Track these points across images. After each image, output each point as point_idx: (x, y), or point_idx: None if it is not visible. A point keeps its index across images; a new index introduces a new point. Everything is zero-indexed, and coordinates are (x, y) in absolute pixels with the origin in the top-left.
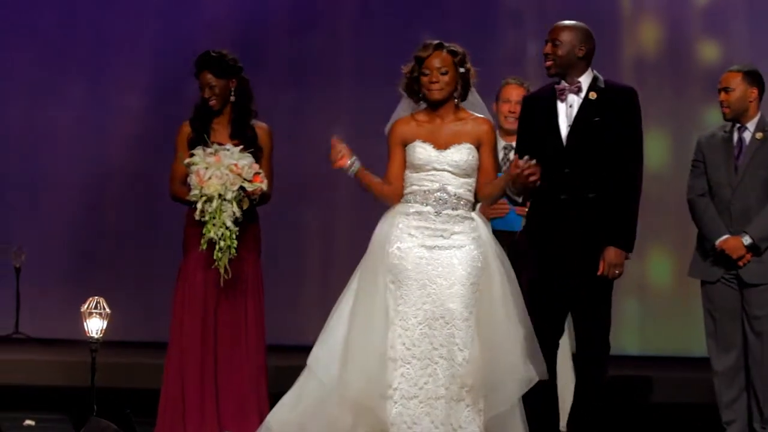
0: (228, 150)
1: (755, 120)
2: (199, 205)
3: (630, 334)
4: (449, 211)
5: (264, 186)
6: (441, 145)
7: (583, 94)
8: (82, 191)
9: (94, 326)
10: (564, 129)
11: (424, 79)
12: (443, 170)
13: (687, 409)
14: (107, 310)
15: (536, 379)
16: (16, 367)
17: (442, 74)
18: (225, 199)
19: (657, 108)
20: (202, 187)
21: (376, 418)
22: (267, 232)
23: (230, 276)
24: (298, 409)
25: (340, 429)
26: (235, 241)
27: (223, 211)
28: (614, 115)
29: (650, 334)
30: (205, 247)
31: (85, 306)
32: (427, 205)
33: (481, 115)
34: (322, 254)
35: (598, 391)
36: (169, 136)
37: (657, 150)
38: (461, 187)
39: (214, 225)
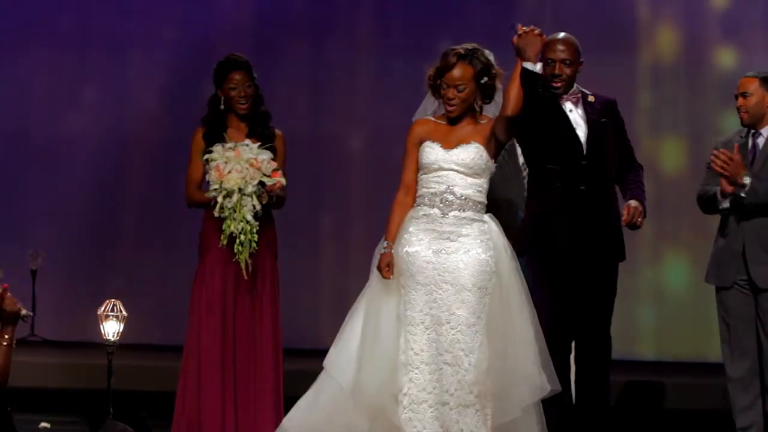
0: (247, 145)
1: None
2: (219, 199)
3: (646, 340)
4: (456, 213)
5: (283, 180)
6: (449, 145)
7: (580, 102)
8: (98, 194)
9: (111, 329)
10: (578, 128)
11: (442, 92)
12: (450, 170)
13: (703, 415)
14: (124, 312)
15: (548, 388)
16: (32, 370)
17: (459, 91)
18: (245, 194)
19: (674, 114)
20: (221, 182)
21: (391, 422)
22: (282, 236)
23: (251, 270)
24: (314, 413)
25: None
26: (256, 236)
27: (243, 206)
28: (607, 119)
29: (666, 340)
30: (225, 242)
31: (102, 309)
32: (434, 207)
33: None
34: (337, 258)
35: (600, 389)
36: (186, 139)
37: (673, 156)
38: (469, 188)
39: (234, 219)
